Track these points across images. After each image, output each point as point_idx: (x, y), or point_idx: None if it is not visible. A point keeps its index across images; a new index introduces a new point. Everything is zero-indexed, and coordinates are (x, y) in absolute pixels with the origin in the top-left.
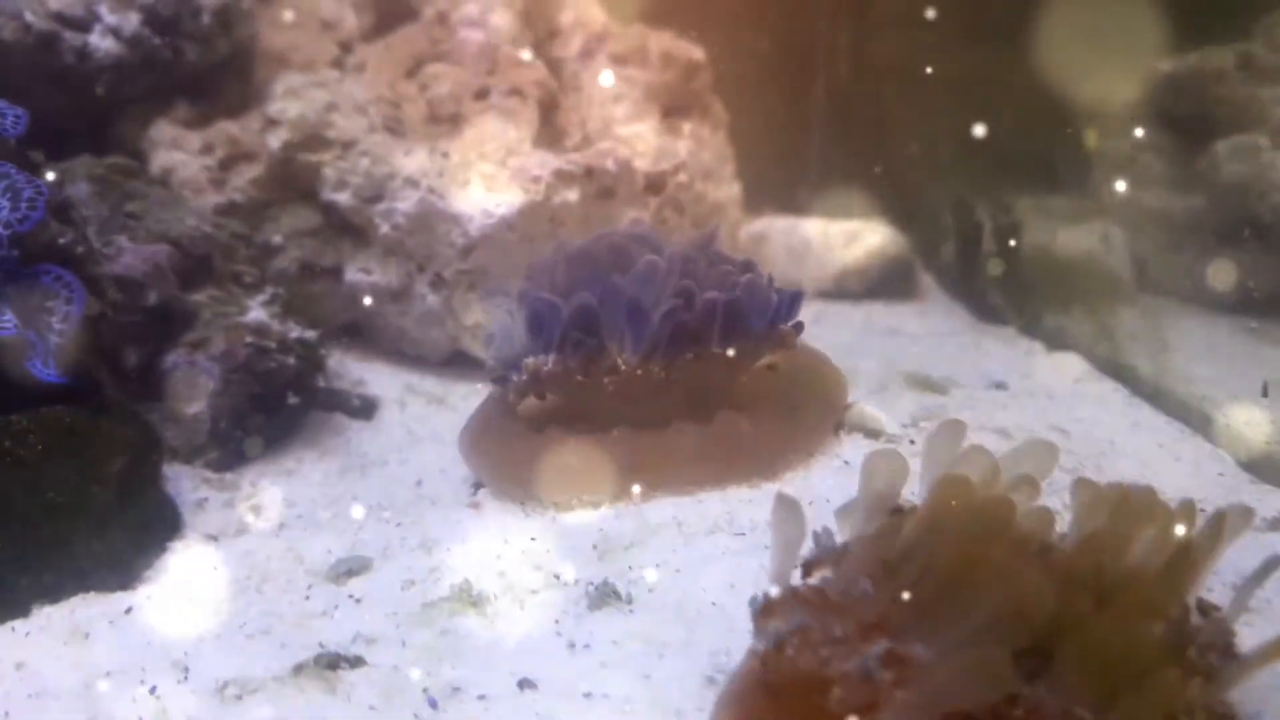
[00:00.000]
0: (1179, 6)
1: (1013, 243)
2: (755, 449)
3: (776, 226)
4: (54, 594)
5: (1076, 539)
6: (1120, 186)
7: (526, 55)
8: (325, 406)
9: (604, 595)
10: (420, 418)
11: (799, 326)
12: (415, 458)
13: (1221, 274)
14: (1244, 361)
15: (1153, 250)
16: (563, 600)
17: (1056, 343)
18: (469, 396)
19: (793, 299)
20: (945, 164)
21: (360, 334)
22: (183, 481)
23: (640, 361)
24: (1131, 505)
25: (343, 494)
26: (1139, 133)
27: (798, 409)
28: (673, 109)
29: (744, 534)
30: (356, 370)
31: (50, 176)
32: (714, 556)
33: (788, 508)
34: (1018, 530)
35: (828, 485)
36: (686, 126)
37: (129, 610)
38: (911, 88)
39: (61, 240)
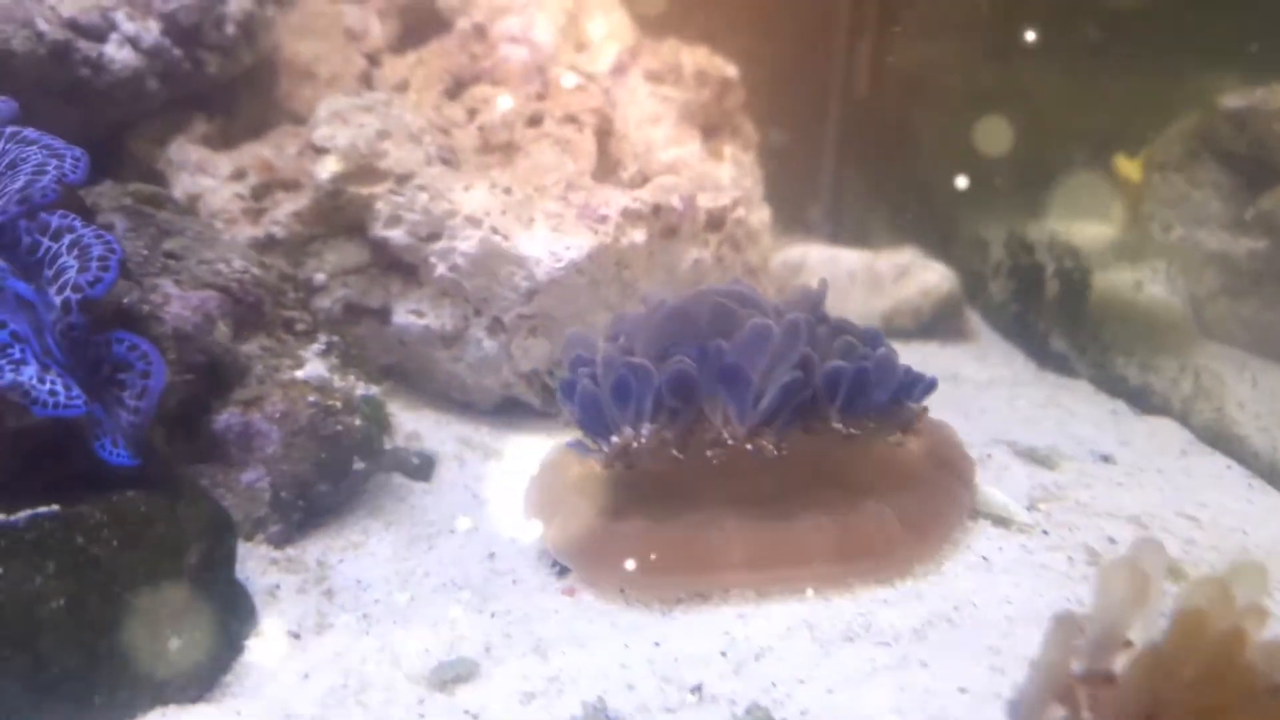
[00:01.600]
0: (1241, 33)
1: (1082, 289)
2: (882, 539)
3: (814, 256)
4: (129, 711)
5: None
6: (1174, 224)
7: (575, 78)
8: (385, 467)
9: None
10: (480, 476)
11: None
12: (482, 525)
13: None
14: None
15: (1208, 294)
16: None
17: (1142, 402)
18: (526, 450)
19: (930, 383)
20: (980, 187)
21: (403, 377)
22: (249, 564)
23: (748, 435)
24: None
25: (414, 570)
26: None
27: (927, 493)
28: (707, 129)
29: (889, 644)
30: (406, 420)
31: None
32: (865, 673)
33: (1065, 630)
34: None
35: (967, 586)
36: (728, 150)
37: None
38: (942, 105)
39: (126, 300)
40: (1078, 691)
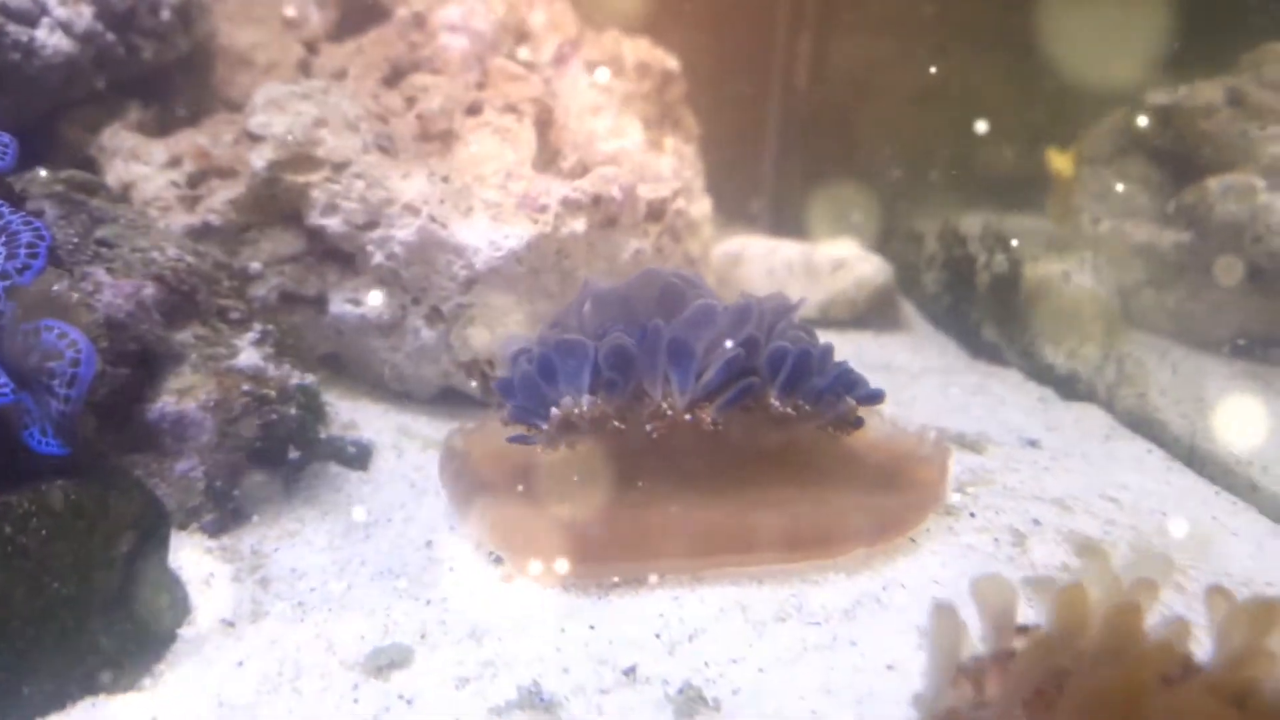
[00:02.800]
0: (1165, 29)
1: (1012, 280)
2: (817, 521)
3: (753, 248)
4: (60, 702)
5: (1220, 655)
6: (1103, 217)
7: (518, 67)
8: (320, 456)
9: (690, 701)
10: (418, 466)
11: (860, 421)
12: (419, 514)
13: (1215, 315)
14: (1271, 416)
15: (1135, 285)
16: (641, 704)
17: (1069, 389)
18: None
19: (875, 393)
20: (918, 180)
21: (341, 367)
22: (183, 552)
23: (687, 406)
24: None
25: (350, 559)
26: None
27: (863, 479)
28: (648, 121)
29: (819, 623)
30: (344, 410)
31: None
32: (796, 652)
33: (948, 619)
34: (1155, 646)
35: (896, 567)
36: (669, 142)
37: None
38: (882, 100)
39: (55, 288)
40: (986, 672)
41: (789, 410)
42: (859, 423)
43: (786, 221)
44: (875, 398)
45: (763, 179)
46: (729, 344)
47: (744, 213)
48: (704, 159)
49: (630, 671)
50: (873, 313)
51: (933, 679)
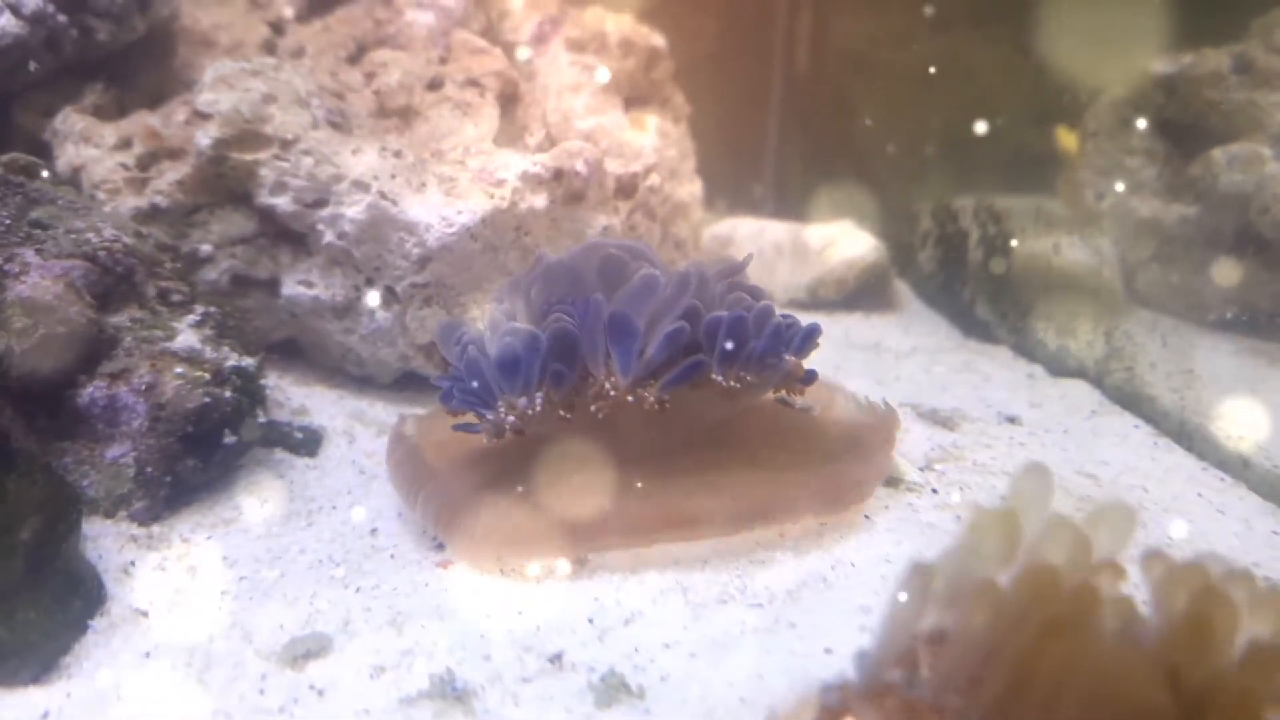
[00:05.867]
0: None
1: (1004, 255)
2: (766, 499)
3: (743, 229)
4: None
5: (1158, 632)
6: (1108, 192)
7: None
8: (264, 442)
9: (611, 689)
10: (371, 453)
11: (811, 375)
12: (368, 501)
13: (1218, 290)
14: (1268, 391)
15: (1141, 261)
16: (563, 693)
17: (1059, 366)
18: None
19: (808, 332)
20: (920, 162)
21: (298, 352)
22: (105, 541)
23: (631, 386)
24: (1217, 591)
25: (288, 547)
26: (1127, 135)
27: (816, 453)
28: (633, 100)
29: (761, 605)
30: (296, 395)
31: None
32: (732, 636)
33: (921, 577)
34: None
35: (848, 545)
36: (652, 120)
37: (45, 716)
38: (881, 79)
39: None
40: (919, 651)
41: (733, 384)
42: (810, 376)
43: (790, 205)
44: (810, 335)
45: (765, 163)
46: (674, 316)
47: (748, 198)
48: (707, 145)
49: (556, 658)
50: (864, 293)
51: (881, 643)
